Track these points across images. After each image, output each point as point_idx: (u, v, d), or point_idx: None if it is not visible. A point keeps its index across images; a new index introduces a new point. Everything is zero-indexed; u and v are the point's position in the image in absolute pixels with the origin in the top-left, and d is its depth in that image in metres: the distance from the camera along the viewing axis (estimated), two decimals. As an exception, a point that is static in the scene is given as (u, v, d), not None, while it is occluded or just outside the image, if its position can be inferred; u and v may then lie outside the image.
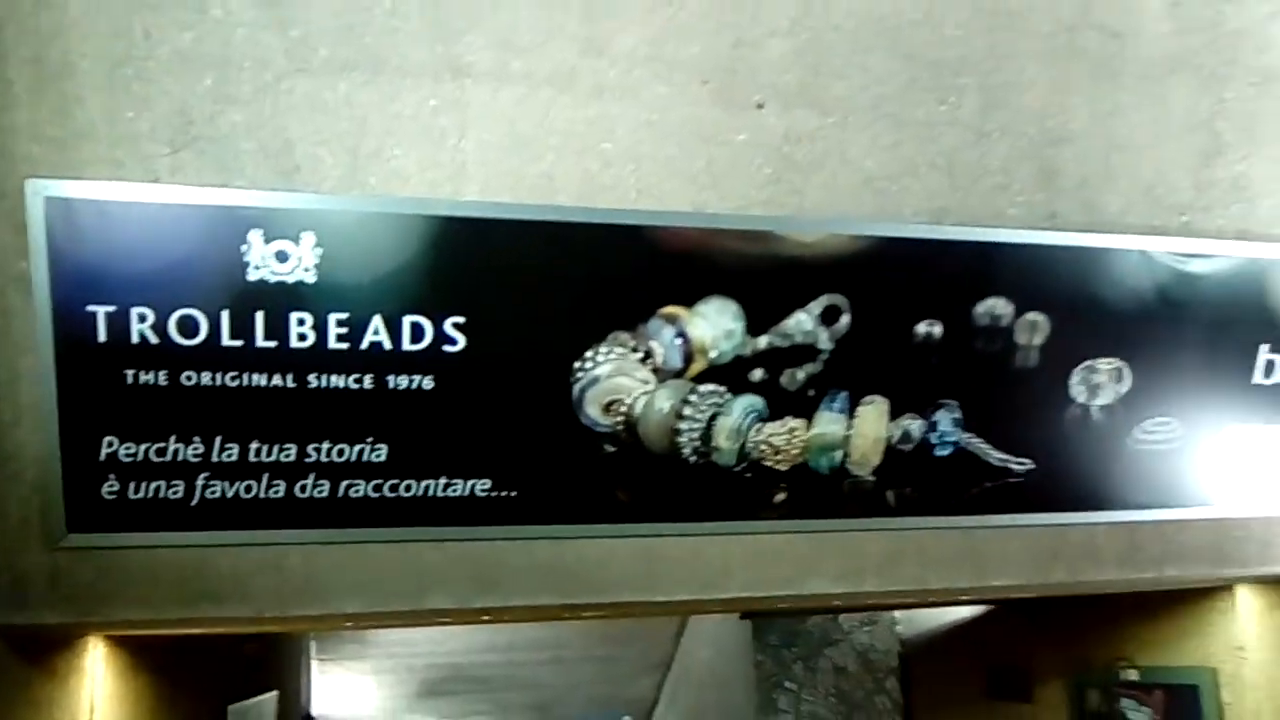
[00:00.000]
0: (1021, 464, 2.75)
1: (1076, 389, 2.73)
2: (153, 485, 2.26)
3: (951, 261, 2.57)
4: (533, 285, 2.36)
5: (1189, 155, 2.66)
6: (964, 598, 3.43)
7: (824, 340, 2.53)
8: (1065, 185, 2.59)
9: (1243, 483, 2.96)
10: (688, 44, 2.30)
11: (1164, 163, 2.64)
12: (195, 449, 2.27)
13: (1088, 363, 2.72)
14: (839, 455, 2.62)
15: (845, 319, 2.53)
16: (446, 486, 2.42)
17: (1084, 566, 2.93)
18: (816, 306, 2.51)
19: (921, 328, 2.59)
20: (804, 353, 2.53)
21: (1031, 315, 2.64)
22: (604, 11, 2.25)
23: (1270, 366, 2.87)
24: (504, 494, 2.45)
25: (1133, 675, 4.36)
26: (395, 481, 2.39)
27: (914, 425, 2.65)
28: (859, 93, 2.41)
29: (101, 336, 2.17)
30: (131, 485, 2.25)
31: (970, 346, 2.63)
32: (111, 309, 2.16)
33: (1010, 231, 2.57)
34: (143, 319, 2.18)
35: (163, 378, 2.21)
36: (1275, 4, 2.61)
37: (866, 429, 2.62)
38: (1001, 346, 2.65)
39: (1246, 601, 3.86)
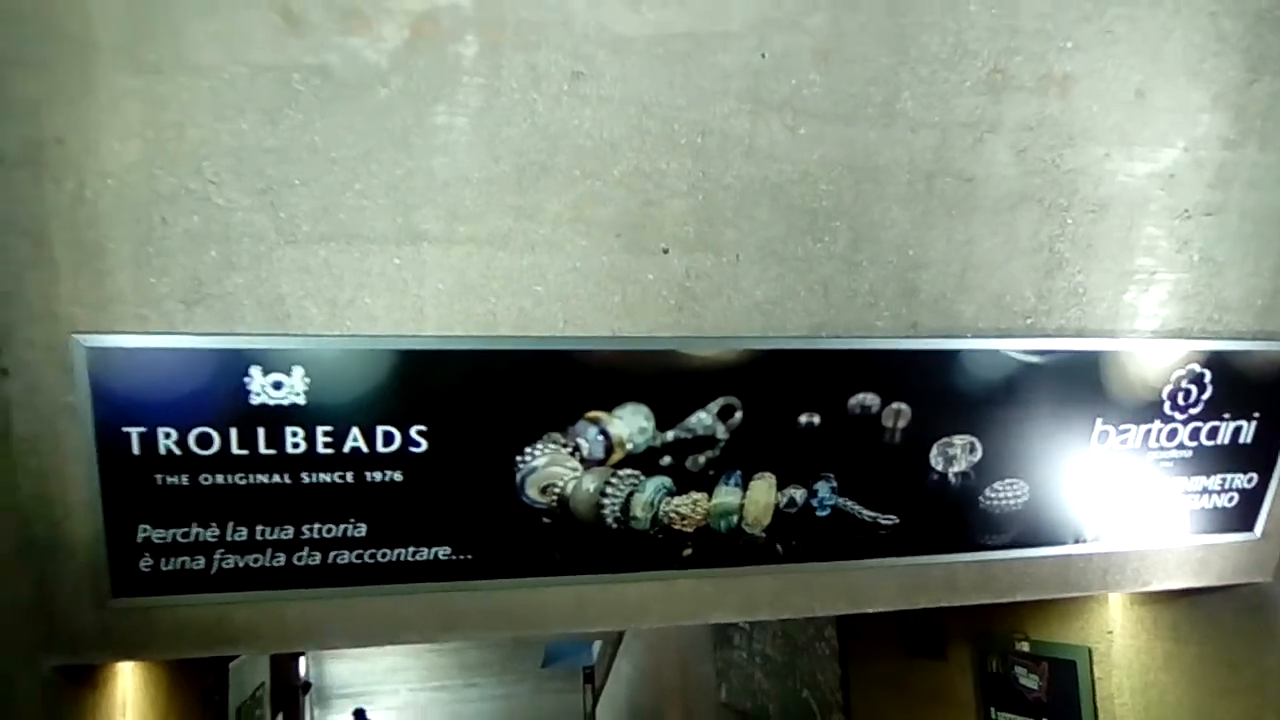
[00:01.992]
0: (889, 519, 3.35)
1: (935, 460, 3.31)
2: (179, 559, 2.86)
3: (827, 365, 3.12)
4: (481, 398, 2.92)
5: (1033, 271, 3.18)
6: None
7: (721, 432, 3.10)
8: (925, 300, 3.12)
9: (1084, 525, 3.56)
10: (604, 206, 2.81)
11: (1011, 278, 3.17)
12: (212, 532, 2.86)
13: (945, 439, 3.30)
14: (735, 519, 3.22)
15: (739, 414, 3.09)
16: (414, 553, 3.02)
17: (944, 595, 3.55)
18: (714, 406, 3.07)
19: (803, 418, 3.15)
20: (705, 442, 3.11)
21: (896, 404, 3.20)
22: (533, 185, 2.75)
23: (1104, 434, 3.45)
24: (462, 557, 3.05)
25: (1025, 647, 5.03)
26: (373, 551, 2.98)
27: (798, 493, 3.24)
28: (747, 237, 2.92)
29: (135, 450, 2.73)
30: (162, 560, 2.85)
31: (844, 431, 3.19)
32: (143, 429, 2.73)
33: (877, 340, 3.12)
34: (167, 436, 2.74)
35: (185, 479, 2.79)
36: (1108, 147, 3.10)
37: (758, 498, 3.21)
38: (870, 430, 3.22)
39: (1116, 595, 4.51)
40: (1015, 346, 3.24)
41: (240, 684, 6.26)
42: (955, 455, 3.32)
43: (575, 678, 12.35)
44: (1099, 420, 3.42)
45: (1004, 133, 3.01)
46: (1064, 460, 3.44)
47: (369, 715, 11.30)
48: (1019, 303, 3.21)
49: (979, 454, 3.34)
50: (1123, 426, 3.45)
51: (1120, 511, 3.59)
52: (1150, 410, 3.46)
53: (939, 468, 3.32)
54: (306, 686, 11.71)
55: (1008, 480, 3.41)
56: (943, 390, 3.23)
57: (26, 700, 2.77)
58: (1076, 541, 3.59)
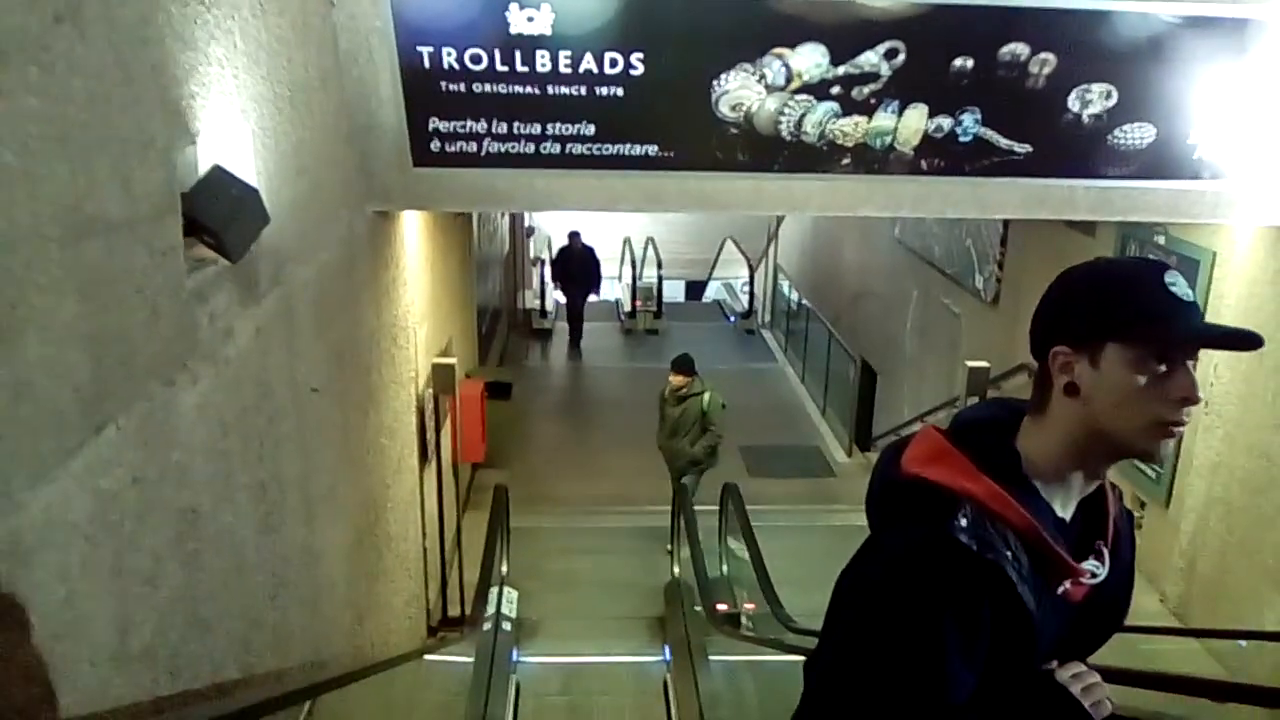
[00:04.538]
0: (1023, 148, 3.96)
1: (1073, 102, 3.83)
2: (458, 144, 3.84)
3: (986, 18, 3.60)
4: (688, 33, 3.61)
5: (1196, -63, 3.45)
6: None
7: (885, 69, 3.71)
8: (1085, -37, 3.48)
9: (1201, 164, 4.06)
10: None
11: (1173, -56, 3.46)
12: (481, 125, 3.80)
13: (1084, 85, 3.79)
14: (889, 139, 3.92)
15: (901, 56, 3.68)
16: (630, 149, 3.90)
17: (1064, 210, 4.23)
18: (881, 48, 3.65)
19: (958, 61, 3.71)
20: (869, 77, 3.74)
21: (1043, 54, 3.69)
22: None
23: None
24: (667, 154, 3.92)
25: (1161, 240, 5.65)
26: (600, 145, 3.88)
27: (945, 121, 3.88)
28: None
29: (425, 65, 3.62)
30: (446, 144, 3.84)
31: (992, 74, 3.74)
32: (430, 49, 3.59)
33: (1033, -3, 3.56)
34: (449, 54, 3.60)
35: (462, 87, 3.68)
36: None
37: (910, 123, 3.87)
38: (1017, 74, 3.74)
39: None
40: (1164, 10, 3.60)
41: (483, 198, 7.61)
42: (1091, 99, 3.83)
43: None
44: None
45: None
46: (1192, 111, 3.88)
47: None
48: (1176, -33, 3.52)
49: (1114, 100, 3.83)
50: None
51: (1235, 153, 4.05)
52: (1288, 68, 3.81)
53: (1075, 109, 3.85)
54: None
55: (1137, 123, 3.91)
56: (1089, 44, 3.68)
57: (358, 230, 3.93)
58: (1194, 178, 4.11)
